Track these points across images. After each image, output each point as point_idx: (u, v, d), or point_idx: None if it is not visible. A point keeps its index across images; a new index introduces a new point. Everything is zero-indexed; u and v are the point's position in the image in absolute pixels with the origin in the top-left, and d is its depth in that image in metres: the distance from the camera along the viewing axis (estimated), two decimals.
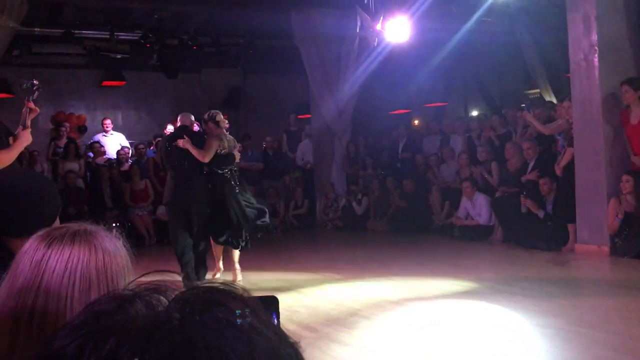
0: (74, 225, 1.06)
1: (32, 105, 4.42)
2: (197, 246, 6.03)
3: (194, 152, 5.86)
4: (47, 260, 0.98)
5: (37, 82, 4.59)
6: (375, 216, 10.56)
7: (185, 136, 5.97)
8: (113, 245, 1.05)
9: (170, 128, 11.77)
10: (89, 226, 1.07)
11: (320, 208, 11.22)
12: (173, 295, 0.52)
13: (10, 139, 4.32)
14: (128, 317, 0.49)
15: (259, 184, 11.30)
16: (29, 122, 4.36)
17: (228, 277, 6.17)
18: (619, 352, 3.51)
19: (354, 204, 10.72)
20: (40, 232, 1.05)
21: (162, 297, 0.52)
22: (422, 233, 9.36)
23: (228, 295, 0.52)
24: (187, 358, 0.46)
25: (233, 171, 6.17)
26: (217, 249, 6.29)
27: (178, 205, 6.05)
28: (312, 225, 11.17)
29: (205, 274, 6.12)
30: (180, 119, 6.56)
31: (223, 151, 6.04)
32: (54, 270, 0.97)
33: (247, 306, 0.51)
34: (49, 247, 1.00)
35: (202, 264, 6.16)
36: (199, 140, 6.06)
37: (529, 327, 4.13)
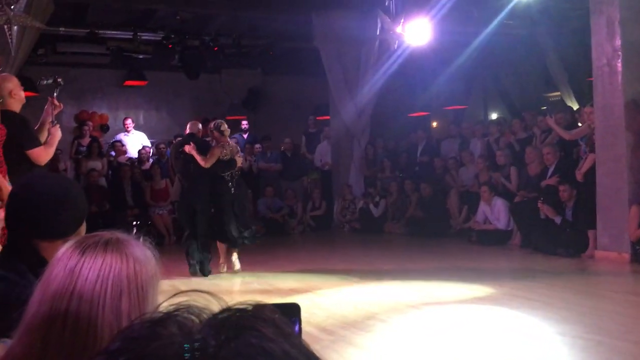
0: (107, 234, 1.08)
1: (56, 101, 4.51)
2: (199, 236, 6.78)
3: (197, 158, 6.62)
4: (81, 268, 1.01)
5: (60, 79, 4.66)
6: (393, 219, 10.55)
7: (191, 143, 6.72)
8: (143, 254, 1.07)
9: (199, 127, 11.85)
10: (121, 235, 1.09)
11: (338, 210, 11.24)
12: (205, 316, 0.53)
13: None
14: (164, 343, 0.49)
15: (277, 185, 11.36)
16: (53, 117, 4.46)
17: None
18: None
19: (371, 206, 10.72)
20: (74, 240, 1.08)
21: (194, 318, 0.53)
22: (439, 237, 9.33)
23: (260, 319, 0.52)
24: None
25: (234, 174, 6.88)
26: (220, 245, 6.96)
27: (184, 204, 6.98)
28: (329, 226, 11.20)
29: (207, 259, 6.83)
30: (189, 127, 7.22)
31: (225, 157, 6.77)
32: (87, 278, 1.00)
33: (279, 329, 0.51)
34: (82, 255, 1.03)
35: (205, 250, 6.86)
36: (204, 147, 6.84)
37: (547, 334, 4.10)
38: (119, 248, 1.05)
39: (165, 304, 0.56)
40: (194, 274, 6.74)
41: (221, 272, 6.84)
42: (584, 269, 6.70)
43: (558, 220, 7.54)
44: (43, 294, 1.01)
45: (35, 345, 0.97)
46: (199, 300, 0.56)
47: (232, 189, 6.80)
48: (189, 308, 0.54)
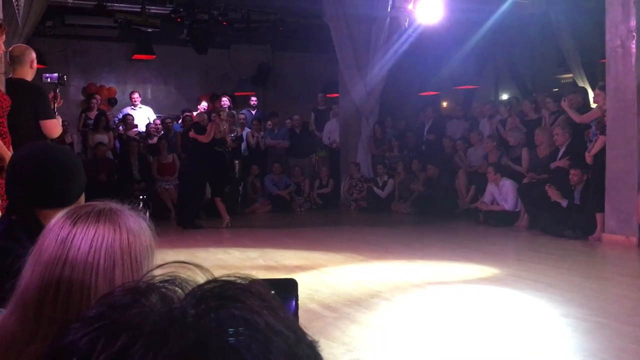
0: (100, 204, 1.06)
1: (58, 96, 4.66)
2: (196, 197, 8.99)
3: (199, 137, 8.67)
4: (73, 238, 0.99)
5: (65, 77, 4.79)
6: (400, 198, 10.53)
7: (193, 129, 8.88)
8: (137, 225, 1.05)
9: (203, 104, 11.86)
10: (114, 205, 1.07)
11: (345, 188, 11.22)
12: (189, 288, 0.51)
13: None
14: (143, 311, 0.48)
15: (284, 162, 11.34)
16: (56, 110, 4.56)
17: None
18: None
19: (375, 189, 10.69)
20: (66, 210, 1.06)
21: (178, 289, 0.51)
22: (446, 217, 9.31)
23: (246, 290, 0.50)
24: (200, 357, 0.45)
25: (224, 151, 9.06)
26: (219, 204, 8.90)
27: (187, 172, 8.97)
28: (336, 205, 11.19)
29: (195, 216, 8.97)
30: (196, 117, 9.50)
31: (218, 135, 8.75)
32: (79, 248, 0.98)
33: (265, 302, 0.50)
34: (74, 225, 1.01)
35: (196, 209, 9.15)
36: (203, 131, 8.74)
37: (551, 316, 4.09)
38: (112, 218, 1.03)
39: (150, 275, 0.55)
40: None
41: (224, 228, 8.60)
42: (590, 251, 6.67)
43: (565, 203, 7.49)
44: (35, 265, 0.99)
45: (29, 319, 0.95)
46: (185, 272, 0.55)
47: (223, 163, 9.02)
48: (173, 279, 0.53)
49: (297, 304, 0.88)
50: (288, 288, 0.88)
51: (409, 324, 4.01)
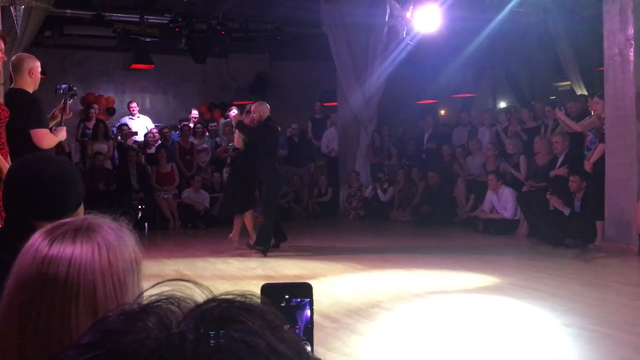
0: (78, 220, 1.01)
1: (68, 108, 4.67)
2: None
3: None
4: (50, 260, 0.94)
5: (75, 88, 4.85)
6: (399, 206, 10.51)
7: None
8: (118, 239, 0.99)
9: (194, 113, 11.87)
10: (94, 219, 1.01)
11: (344, 197, 11.21)
12: (188, 308, 0.49)
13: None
14: (139, 338, 0.45)
15: (283, 171, 11.32)
16: (62, 121, 4.55)
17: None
18: None
19: (379, 191, 10.71)
20: (44, 228, 1.01)
21: (175, 310, 0.49)
22: (445, 225, 9.29)
23: (245, 310, 0.48)
24: None
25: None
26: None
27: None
28: (335, 213, 11.18)
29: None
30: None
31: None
32: (56, 271, 0.94)
33: (267, 322, 0.47)
34: (50, 246, 0.96)
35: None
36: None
37: (552, 325, 4.07)
38: (90, 236, 0.97)
39: (146, 294, 0.52)
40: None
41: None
42: (590, 260, 6.65)
43: (567, 212, 7.47)
44: (15, 285, 0.95)
45: (12, 336, 0.92)
46: (183, 290, 0.52)
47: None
48: (170, 298, 0.50)
49: (312, 309, 0.87)
50: (303, 293, 0.87)
51: (410, 334, 3.99)
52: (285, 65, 13.49)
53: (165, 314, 0.48)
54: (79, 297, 0.93)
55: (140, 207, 10.05)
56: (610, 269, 6.31)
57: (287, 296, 0.85)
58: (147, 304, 0.50)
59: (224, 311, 0.47)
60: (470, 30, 10.45)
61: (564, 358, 3.47)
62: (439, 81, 12.31)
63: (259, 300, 0.50)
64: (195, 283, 0.54)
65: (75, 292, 0.93)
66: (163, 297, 0.50)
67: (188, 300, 0.50)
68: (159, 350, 0.44)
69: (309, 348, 0.83)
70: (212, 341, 0.44)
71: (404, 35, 9.51)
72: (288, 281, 0.96)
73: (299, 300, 0.86)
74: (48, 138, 4.34)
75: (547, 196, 7.58)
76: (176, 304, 0.49)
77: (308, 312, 0.86)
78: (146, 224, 10.01)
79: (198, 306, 0.49)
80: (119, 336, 0.46)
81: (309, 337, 0.85)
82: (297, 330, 0.85)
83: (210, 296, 0.50)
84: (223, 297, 0.49)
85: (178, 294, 0.51)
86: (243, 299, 0.49)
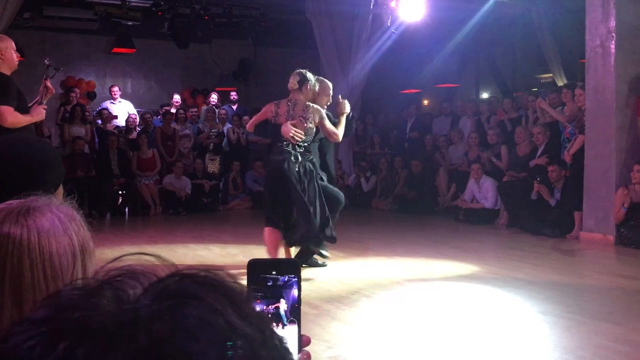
0: (15, 204, 0.94)
1: (49, 84, 4.54)
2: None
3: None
4: None
5: (60, 67, 4.76)
6: (381, 195, 10.55)
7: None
8: (53, 223, 0.92)
9: (177, 98, 11.76)
10: (32, 202, 0.95)
11: None
12: (147, 283, 0.46)
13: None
14: (90, 313, 0.43)
15: (266, 158, 11.28)
16: (45, 100, 4.45)
17: None
18: (618, 342, 3.51)
19: (362, 180, 10.73)
20: None
21: (135, 284, 0.46)
22: (427, 214, 9.35)
23: (207, 285, 0.45)
24: None
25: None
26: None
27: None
28: None
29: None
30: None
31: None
32: None
33: (228, 298, 0.45)
34: None
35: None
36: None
37: (530, 313, 4.12)
38: (20, 220, 0.91)
39: (106, 269, 0.49)
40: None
41: None
42: (568, 249, 6.74)
43: (553, 202, 7.55)
44: None
45: None
46: (145, 264, 0.49)
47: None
48: (129, 273, 0.47)
49: (299, 287, 0.84)
50: (291, 269, 0.84)
51: (390, 321, 4.01)
52: (268, 52, 13.41)
53: (123, 289, 0.45)
54: (3, 284, 0.87)
55: (120, 192, 9.97)
56: (587, 259, 6.41)
57: (274, 272, 0.83)
58: (105, 279, 0.47)
59: (184, 286, 0.45)
60: (455, 21, 10.46)
61: (541, 345, 3.51)
62: (423, 71, 12.32)
63: (224, 275, 0.47)
64: (158, 257, 0.51)
65: (1, 280, 0.88)
66: (124, 272, 0.47)
67: (149, 275, 0.47)
68: (110, 326, 0.42)
69: (296, 327, 0.82)
70: (166, 317, 0.42)
71: (389, 24, 9.50)
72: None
73: (286, 278, 0.84)
74: (12, 116, 4.18)
75: (535, 185, 7.64)
76: (137, 278, 0.47)
77: (295, 291, 0.84)
78: (127, 209, 9.93)
79: (159, 281, 0.46)
80: (70, 312, 0.43)
81: (297, 316, 0.83)
82: (284, 309, 0.83)
83: (172, 271, 0.47)
84: (186, 272, 0.47)
85: (139, 268, 0.48)
86: (206, 274, 0.47)
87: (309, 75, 5.42)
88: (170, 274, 0.46)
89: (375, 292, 4.72)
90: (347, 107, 5.56)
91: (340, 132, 5.35)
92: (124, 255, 0.51)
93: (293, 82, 5.40)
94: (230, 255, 6.38)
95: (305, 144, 5.21)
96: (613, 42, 6.76)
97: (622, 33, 6.74)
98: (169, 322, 0.42)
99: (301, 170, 5.12)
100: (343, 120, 5.47)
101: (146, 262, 0.50)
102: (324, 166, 5.66)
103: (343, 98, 5.66)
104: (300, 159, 5.13)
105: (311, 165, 5.18)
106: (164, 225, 8.93)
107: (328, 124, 5.27)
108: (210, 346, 0.41)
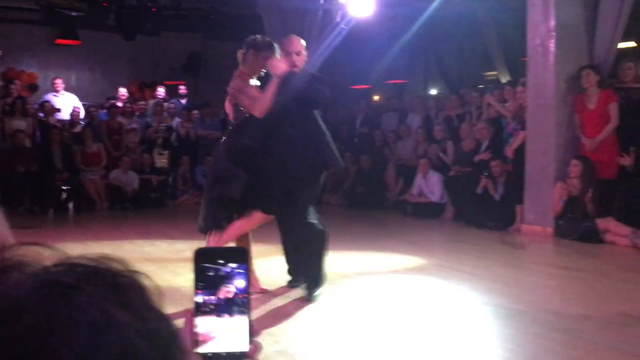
0: None
1: None
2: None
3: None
4: None
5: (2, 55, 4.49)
6: (332, 190, 10.61)
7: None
8: None
9: (123, 91, 11.51)
10: None
11: None
12: (31, 273, 0.45)
13: None
14: None
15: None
16: None
17: None
18: (554, 330, 3.65)
19: None
20: None
21: (17, 275, 0.45)
22: (376, 209, 9.47)
23: (90, 276, 0.45)
24: (15, 358, 0.39)
25: None
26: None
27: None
28: None
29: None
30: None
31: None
32: None
33: (113, 289, 0.44)
34: None
35: None
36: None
37: (472, 304, 4.25)
38: None
39: None
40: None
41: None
42: (510, 242, 6.96)
43: (497, 196, 7.77)
44: None
45: None
46: (31, 255, 0.48)
47: None
48: (15, 264, 0.46)
49: (248, 273, 0.80)
50: (238, 257, 0.80)
51: (336, 314, 4.06)
52: (219, 46, 13.26)
53: (2, 281, 0.44)
54: None
55: (64, 187, 9.71)
56: (527, 251, 6.63)
57: (220, 261, 0.80)
58: None
59: (66, 277, 0.44)
60: (404, 17, 10.60)
61: (482, 334, 3.63)
62: (373, 67, 12.44)
63: (115, 265, 0.47)
64: (47, 246, 0.50)
65: None
66: (7, 263, 0.46)
67: (35, 265, 0.46)
68: None
69: (245, 318, 0.79)
70: (41, 308, 0.41)
71: (339, 19, 9.55)
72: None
73: (233, 267, 0.80)
74: None
75: (483, 179, 7.84)
76: (20, 268, 0.45)
77: (243, 281, 0.80)
78: (71, 205, 9.68)
79: (44, 270, 0.45)
80: None
81: (246, 307, 0.80)
82: (232, 299, 0.79)
83: (60, 260, 0.46)
84: (73, 261, 0.46)
85: (25, 259, 0.47)
86: (94, 264, 0.46)
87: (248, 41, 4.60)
88: (56, 263, 0.46)
89: (323, 286, 4.75)
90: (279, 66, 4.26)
91: (259, 98, 4.27)
92: (10, 245, 0.49)
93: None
94: (178, 252, 6.31)
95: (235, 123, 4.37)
96: (553, 41, 7.00)
97: (562, 32, 6.98)
98: (43, 313, 0.41)
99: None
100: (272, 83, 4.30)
101: (36, 252, 0.49)
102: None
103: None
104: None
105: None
106: (110, 221, 8.75)
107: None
108: (80, 337, 0.41)
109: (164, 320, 0.47)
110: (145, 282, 0.48)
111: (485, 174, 7.83)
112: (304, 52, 4.54)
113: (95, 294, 0.43)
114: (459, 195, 8.24)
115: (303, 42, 4.61)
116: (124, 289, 0.45)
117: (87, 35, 11.74)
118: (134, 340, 0.43)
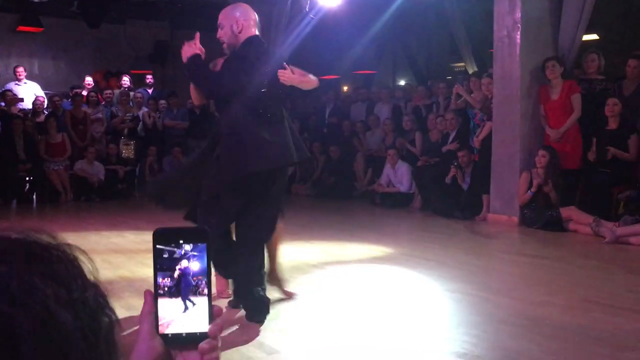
0: None
1: None
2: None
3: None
4: None
5: None
6: (300, 180, 10.62)
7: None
8: None
9: (88, 80, 11.28)
10: None
11: None
12: None
13: None
14: None
15: (184, 143, 11.07)
16: None
17: None
18: (519, 317, 3.72)
19: None
20: None
21: None
22: (344, 199, 9.51)
23: (11, 247, 0.45)
24: None
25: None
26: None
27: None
28: None
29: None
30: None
31: None
32: None
33: (34, 259, 0.44)
34: None
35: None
36: None
37: (439, 291, 4.30)
38: None
39: None
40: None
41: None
42: (476, 231, 7.07)
43: (465, 186, 7.88)
44: None
45: None
46: None
47: None
48: None
49: (210, 254, 0.79)
50: (199, 237, 0.79)
51: (306, 303, 4.07)
52: (186, 35, 12.96)
53: None
54: None
55: (27, 178, 9.50)
56: (493, 239, 6.74)
57: (181, 241, 0.79)
58: None
59: None
60: (373, 8, 10.62)
61: (447, 321, 3.68)
62: (342, 57, 12.44)
63: (43, 237, 0.46)
64: None
65: None
66: None
67: None
68: None
69: (206, 299, 0.78)
70: None
71: (307, 9, 9.52)
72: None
73: (187, 249, 0.78)
74: None
75: (452, 169, 7.92)
76: None
77: (204, 261, 0.79)
78: (34, 196, 9.48)
79: None
80: None
81: (207, 287, 0.79)
82: (195, 281, 0.78)
83: None
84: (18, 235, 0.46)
85: None
86: (17, 236, 0.46)
87: None
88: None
89: (293, 276, 4.76)
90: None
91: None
92: None
93: None
94: (145, 242, 6.24)
95: None
96: (519, 32, 7.09)
97: (527, 24, 7.08)
98: None
99: None
100: None
101: None
102: None
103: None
104: None
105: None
106: (75, 212, 8.60)
107: None
108: None
109: (91, 288, 0.46)
110: (76, 253, 0.47)
111: (455, 163, 7.93)
112: (224, 23, 3.73)
113: (14, 264, 0.43)
114: (427, 185, 8.32)
115: (236, 11, 3.81)
116: (49, 260, 0.45)
117: (50, 22, 11.47)
118: (55, 310, 0.42)
